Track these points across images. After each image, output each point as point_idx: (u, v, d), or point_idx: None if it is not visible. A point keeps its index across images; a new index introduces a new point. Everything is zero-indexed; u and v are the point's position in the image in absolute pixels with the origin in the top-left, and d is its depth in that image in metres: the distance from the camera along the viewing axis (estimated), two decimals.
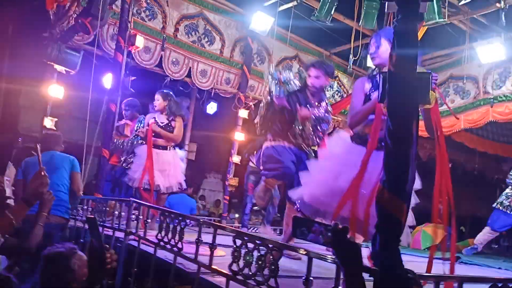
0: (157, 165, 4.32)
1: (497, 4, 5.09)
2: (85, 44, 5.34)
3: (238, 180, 6.81)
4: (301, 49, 7.69)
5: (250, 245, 1.95)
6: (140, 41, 4.93)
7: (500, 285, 1.76)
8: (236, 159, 6.69)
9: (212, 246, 2.18)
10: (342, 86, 8.22)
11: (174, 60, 6.17)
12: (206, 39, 6.47)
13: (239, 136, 6.66)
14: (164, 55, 6.03)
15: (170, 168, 4.44)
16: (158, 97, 4.49)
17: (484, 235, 6.06)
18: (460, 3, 5.26)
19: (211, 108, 6.92)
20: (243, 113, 6.70)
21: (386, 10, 1.62)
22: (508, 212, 5.87)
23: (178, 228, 2.48)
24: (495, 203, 5.94)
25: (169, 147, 4.48)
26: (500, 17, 5.11)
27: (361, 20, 5.93)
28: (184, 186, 4.62)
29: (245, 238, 2.00)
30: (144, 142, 4.39)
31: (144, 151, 4.32)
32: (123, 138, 4.89)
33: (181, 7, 6.21)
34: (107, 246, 1.91)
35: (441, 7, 5.66)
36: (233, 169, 6.72)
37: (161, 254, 2.65)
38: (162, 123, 4.44)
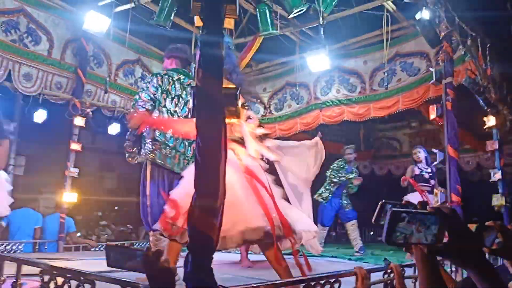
0: None
1: (318, 20, 5.67)
2: None
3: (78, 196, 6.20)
4: (143, 53, 7.41)
5: (61, 279, 1.73)
6: None
7: (313, 284, 1.90)
8: (73, 171, 6.06)
9: (15, 284, 1.88)
10: None
11: None
12: (30, 39, 5.72)
13: (75, 146, 6.05)
14: None
15: None
16: None
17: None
18: (289, 16, 5.70)
19: (39, 116, 6.15)
20: (79, 121, 6.10)
21: (195, 25, 1.59)
22: (326, 203, 6.59)
23: None
24: (315, 195, 6.51)
25: None
26: (320, 31, 5.71)
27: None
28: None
29: (54, 272, 1.76)
30: None
31: None
32: None
33: None
34: None
35: (274, 20, 6.07)
36: (70, 183, 6.07)
37: None
38: None
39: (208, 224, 1.45)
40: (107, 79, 6.54)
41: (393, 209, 1.02)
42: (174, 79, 3.23)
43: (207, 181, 1.47)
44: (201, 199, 1.46)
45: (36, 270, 2.11)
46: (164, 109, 3.15)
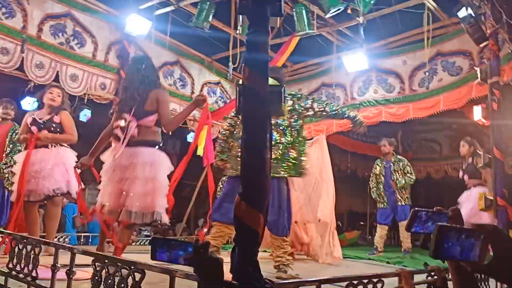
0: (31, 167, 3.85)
1: (357, 19, 5.61)
2: None
3: None
4: (182, 55, 7.58)
5: (112, 268, 1.82)
6: None
7: (356, 282, 1.91)
8: None
9: (70, 272, 1.98)
10: (225, 92, 8.31)
11: (38, 63, 5.57)
12: (76, 41, 5.98)
13: None
14: (26, 57, 5.42)
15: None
16: (54, 90, 4.22)
17: (379, 233, 6.48)
18: (326, 16, 5.68)
19: (85, 115, 6.41)
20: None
21: (241, 24, 1.63)
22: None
23: (32, 254, 2.21)
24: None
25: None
26: (360, 31, 5.65)
27: (238, 29, 6.06)
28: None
29: (106, 260, 1.85)
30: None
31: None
32: None
33: (44, 6, 5.63)
34: None
35: (311, 20, 6.06)
36: None
37: (15, 284, 2.35)
38: (40, 119, 4.01)
39: (254, 218, 1.48)
40: None
41: (439, 224, 1.05)
42: None
43: (253, 176, 1.51)
44: (247, 194, 1.50)
45: (87, 260, 2.22)
46: None
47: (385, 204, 6.49)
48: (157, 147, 3.27)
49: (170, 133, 3.38)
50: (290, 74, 8.16)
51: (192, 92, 7.62)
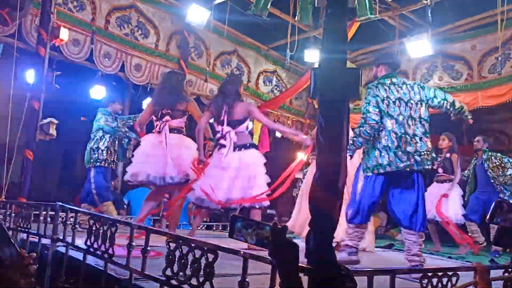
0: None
1: (424, 1, 5.34)
2: (6, 36, 4.90)
3: None
4: (239, 44, 7.64)
5: (185, 248, 1.88)
6: (64, 33, 4.60)
7: (430, 275, 1.84)
8: None
9: (145, 250, 2.07)
10: (281, 81, 8.29)
11: (105, 53, 5.86)
12: (140, 32, 6.21)
13: None
14: (94, 48, 5.71)
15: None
16: None
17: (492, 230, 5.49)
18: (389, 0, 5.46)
19: (147, 104, 6.66)
20: None
21: (316, 5, 1.60)
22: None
23: (109, 232, 2.34)
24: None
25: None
26: (427, 13, 5.37)
27: (297, 15, 5.98)
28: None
29: (179, 241, 1.92)
30: None
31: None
32: (48, 137, 4.56)
33: None
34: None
35: (372, 4, 5.84)
36: None
37: (92, 261, 2.50)
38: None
39: (330, 203, 1.46)
40: (207, 69, 6.87)
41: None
42: (387, 84, 3.22)
43: (329, 161, 1.49)
44: (323, 179, 1.48)
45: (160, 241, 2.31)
46: (388, 116, 3.14)
47: None
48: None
49: None
50: (349, 61, 7.95)
51: (248, 81, 7.67)
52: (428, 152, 3.16)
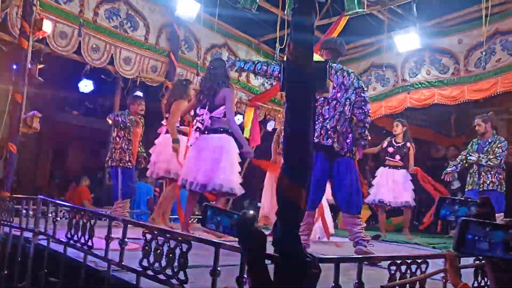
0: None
1: None
2: None
3: None
4: (230, 37, 7.63)
5: (161, 239, 1.91)
6: (47, 25, 4.55)
7: (399, 262, 1.88)
8: None
9: (122, 242, 2.11)
10: None
11: (94, 46, 5.83)
12: (129, 25, 6.19)
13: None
14: (82, 41, 5.68)
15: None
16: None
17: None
18: None
19: None
20: None
21: None
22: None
23: (88, 225, 2.37)
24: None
25: None
26: (412, 8, 5.41)
27: (286, 9, 5.99)
28: None
29: (155, 232, 1.95)
30: None
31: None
32: (32, 131, 4.56)
33: None
34: None
35: None
36: None
37: (74, 254, 2.53)
38: None
39: (296, 193, 1.50)
40: (198, 62, 6.87)
41: (463, 218, 0.98)
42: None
43: (296, 152, 1.52)
44: (290, 169, 1.52)
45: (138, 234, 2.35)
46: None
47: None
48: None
49: None
50: None
51: (239, 75, 7.68)
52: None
